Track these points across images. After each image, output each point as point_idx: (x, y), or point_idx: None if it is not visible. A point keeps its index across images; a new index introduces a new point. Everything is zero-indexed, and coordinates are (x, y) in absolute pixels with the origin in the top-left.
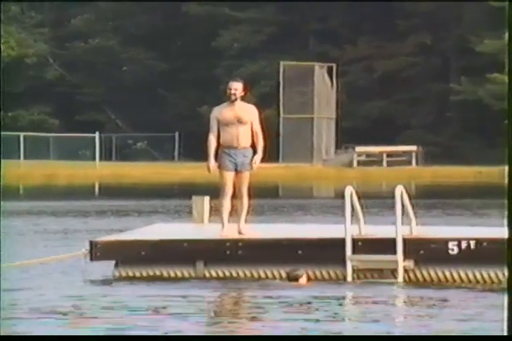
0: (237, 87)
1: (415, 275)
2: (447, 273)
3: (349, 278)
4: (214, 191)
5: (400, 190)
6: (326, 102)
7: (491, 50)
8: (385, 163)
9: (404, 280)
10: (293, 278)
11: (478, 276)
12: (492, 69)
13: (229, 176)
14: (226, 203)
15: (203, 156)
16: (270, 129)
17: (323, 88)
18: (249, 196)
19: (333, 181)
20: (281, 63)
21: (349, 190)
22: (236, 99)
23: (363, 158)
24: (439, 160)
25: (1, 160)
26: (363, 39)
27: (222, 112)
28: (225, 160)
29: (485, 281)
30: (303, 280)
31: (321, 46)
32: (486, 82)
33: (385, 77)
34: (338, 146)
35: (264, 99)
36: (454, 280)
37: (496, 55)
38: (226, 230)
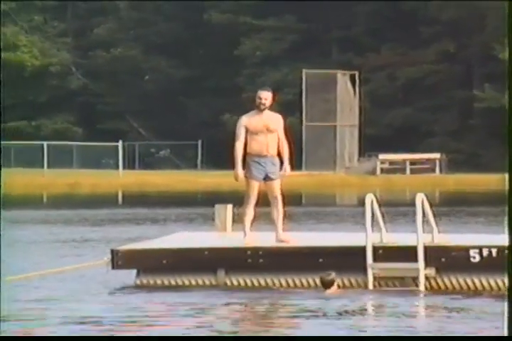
0: (267, 97)
1: (437, 283)
2: (469, 281)
3: (370, 286)
4: (237, 199)
5: (420, 198)
6: (349, 110)
7: None
8: (408, 171)
9: (426, 288)
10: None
11: (500, 284)
12: None
13: (256, 185)
14: (250, 211)
15: (225, 164)
16: (293, 137)
17: (346, 96)
18: (284, 204)
19: (356, 189)
20: (304, 71)
21: (369, 198)
22: (265, 108)
23: (386, 165)
24: (462, 168)
25: (25, 169)
26: (385, 47)
27: (250, 120)
28: (254, 168)
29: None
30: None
31: (343, 54)
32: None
33: (408, 84)
34: (361, 154)
35: (287, 107)
36: (476, 288)
37: None
38: (248, 238)
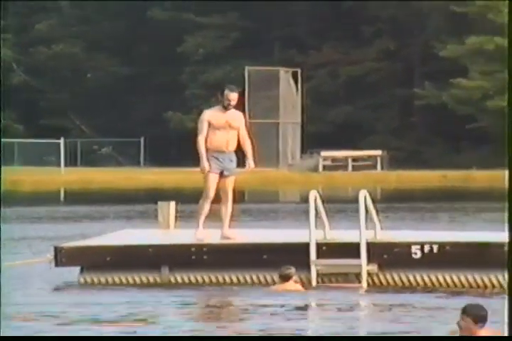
0: (235, 98)
1: (379, 279)
2: (411, 277)
3: (313, 283)
4: (180, 196)
5: (363, 195)
6: (292, 107)
7: (454, 55)
8: (350, 168)
9: (368, 284)
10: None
11: (442, 280)
12: (456, 74)
13: (215, 179)
14: (207, 206)
15: (168, 162)
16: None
17: (289, 93)
18: (234, 201)
19: (298, 186)
20: (247, 68)
21: (313, 195)
22: (231, 108)
23: (328, 162)
24: (403, 165)
25: None
26: (327, 44)
27: (214, 116)
28: (212, 163)
29: (448, 285)
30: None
31: (285, 52)
32: (450, 86)
33: (350, 82)
34: (303, 151)
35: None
36: (418, 284)
37: (459, 59)
38: (200, 233)
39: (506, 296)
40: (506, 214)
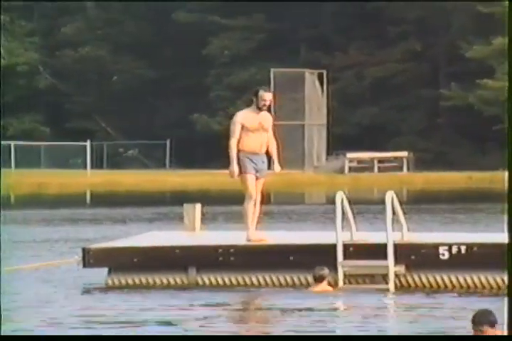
0: (269, 98)
1: (406, 281)
2: (438, 278)
3: (341, 284)
4: (205, 198)
5: (390, 196)
6: (317, 109)
7: (481, 56)
8: (376, 169)
9: (396, 286)
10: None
11: (469, 281)
12: (482, 74)
13: (253, 180)
14: (251, 207)
15: (194, 164)
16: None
17: (314, 95)
18: (262, 203)
19: (324, 187)
20: (272, 70)
21: (340, 196)
22: (265, 109)
23: (354, 164)
24: (430, 166)
25: None
26: (353, 46)
27: (248, 118)
28: (248, 164)
29: (476, 286)
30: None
31: (311, 53)
32: (477, 87)
33: (376, 83)
34: (329, 153)
35: None
36: (446, 286)
37: (485, 60)
38: (252, 234)
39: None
40: (506, 216)
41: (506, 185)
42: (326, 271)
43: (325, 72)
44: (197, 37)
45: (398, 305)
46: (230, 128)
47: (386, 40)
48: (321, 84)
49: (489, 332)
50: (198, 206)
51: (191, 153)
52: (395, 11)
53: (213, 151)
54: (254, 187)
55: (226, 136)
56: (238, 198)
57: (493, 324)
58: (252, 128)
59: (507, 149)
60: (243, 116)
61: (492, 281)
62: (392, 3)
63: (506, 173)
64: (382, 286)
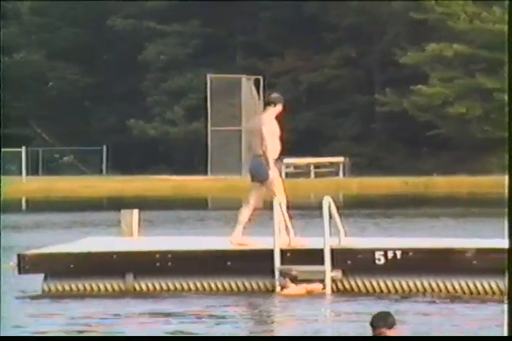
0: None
1: (343, 286)
2: (374, 283)
3: (278, 289)
4: (142, 204)
5: (327, 201)
6: (254, 114)
7: (414, 62)
8: (312, 175)
9: (332, 291)
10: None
11: (405, 286)
12: (416, 81)
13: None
14: (248, 211)
15: (130, 169)
16: (198, 142)
17: (251, 100)
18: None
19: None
20: (208, 76)
21: (277, 202)
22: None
23: (290, 169)
24: (365, 171)
25: None
26: (289, 52)
27: (273, 123)
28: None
29: (411, 291)
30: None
31: (247, 59)
32: (411, 93)
33: (312, 89)
34: None
35: (192, 112)
36: (381, 290)
37: (419, 66)
38: (237, 237)
39: (506, 296)
40: (506, 222)
41: (506, 190)
42: (294, 272)
43: (261, 78)
44: (133, 42)
45: (334, 310)
46: (260, 131)
47: (322, 46)
48: (258, 89)
49: (388, 333)
50: (135, 212)
51: (128, 159)
52: (331, 18)
53: (150, 157)
54: (282, 192)
55: (162, 141)
56: (175, 203)
57: (390, 326)
58: (276, 134)
59: (507, 153)
60: (271, 120)
61: (427, 286)
62: (328, 9)
63: (506, 178)
64: (319, 291)
